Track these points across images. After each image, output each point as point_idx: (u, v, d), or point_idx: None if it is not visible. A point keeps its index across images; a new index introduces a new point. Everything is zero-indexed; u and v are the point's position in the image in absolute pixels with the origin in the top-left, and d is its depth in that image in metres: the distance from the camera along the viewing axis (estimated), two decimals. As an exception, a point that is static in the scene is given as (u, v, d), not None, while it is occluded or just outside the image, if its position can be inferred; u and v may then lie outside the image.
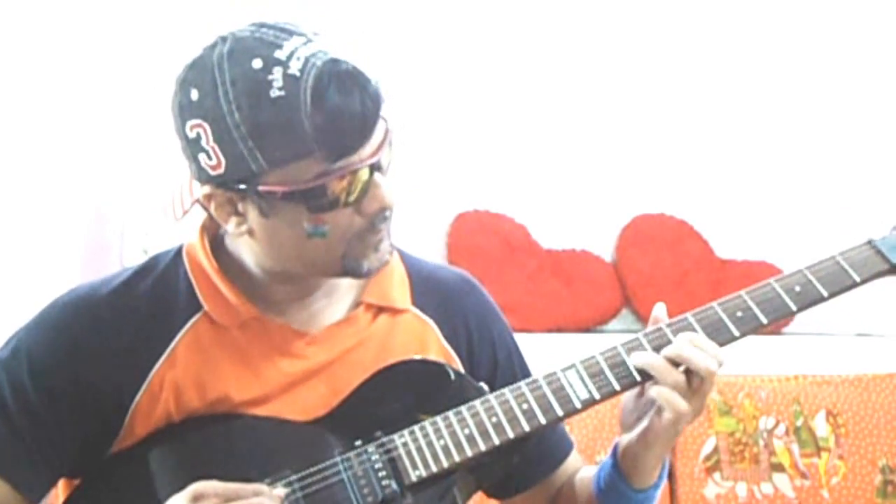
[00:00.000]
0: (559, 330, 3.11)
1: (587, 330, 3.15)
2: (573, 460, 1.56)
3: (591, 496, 1.44)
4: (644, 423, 1.35)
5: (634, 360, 1.33)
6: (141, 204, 2.94)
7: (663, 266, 3.19)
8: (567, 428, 1.63)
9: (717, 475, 2.79)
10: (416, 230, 2.88)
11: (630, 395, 1.38)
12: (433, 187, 3.13)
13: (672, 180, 3.26)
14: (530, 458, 1.43)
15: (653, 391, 1.32)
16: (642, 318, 3.17)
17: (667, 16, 3.27)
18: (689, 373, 1.31)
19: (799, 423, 2.84)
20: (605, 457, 1.49)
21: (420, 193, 3.04)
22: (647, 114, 3.25)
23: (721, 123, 3.27)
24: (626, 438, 1.38)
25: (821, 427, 2.84)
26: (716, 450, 2.81)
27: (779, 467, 2.81)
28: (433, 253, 3.07)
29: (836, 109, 3.27)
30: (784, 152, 3.27)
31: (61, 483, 1.41)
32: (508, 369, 1.51)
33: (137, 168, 2.94)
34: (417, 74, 3.13)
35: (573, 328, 3.13)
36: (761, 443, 2.82)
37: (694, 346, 1.31)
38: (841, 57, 3.27)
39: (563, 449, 1.56)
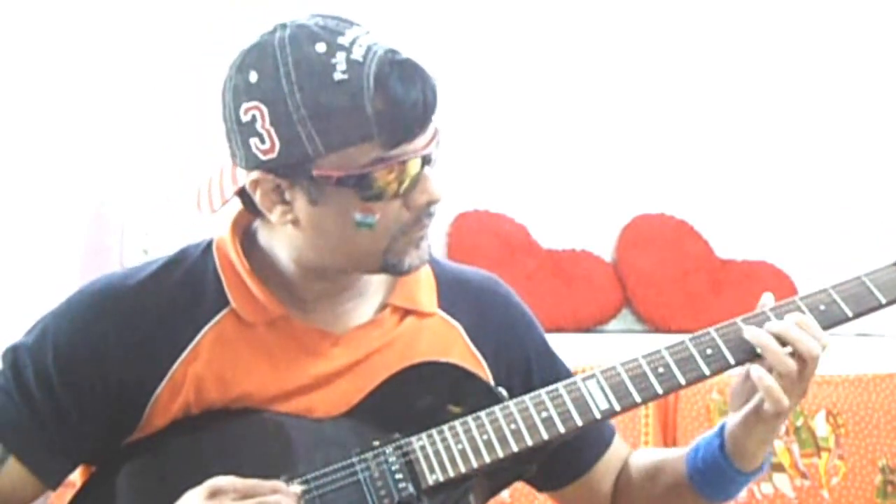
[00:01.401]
0: (559, 330, 3.09)
1: (587, 330, 3.14)
2: (618, 445, 1.54)
3: (679, 476, 1.43)
4: (749, 407, 1.35)
5: (748, 334, 1.33)
6: (141, 204, 2.93)
7: (663, 266, 3.19)
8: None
9: (717, 475, 2.79)
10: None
11: (738, 377, 1.38)
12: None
13: (672, 180, 3.25)
14: (578, 445, 1.43)
15: (757, 382, 1.31)
16: (642, 318, 3.17)
17: (667, 16, 3.27)
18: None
19: (799, 423, 2.84)
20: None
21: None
22: (647, 114, 3.25)
23: (721, 123, 3.26)
24: (731, 420, 1.38)
25: (821, 427, 2.84)
26: (716, 450, 2.80)
27: (779, 467, 2.81)
28: (433, 253, 3.06)
29: (836, 109, 3.26)
30: (784, 152, 3.27)
31: (79, 469, 1.41)
32: (546, 370, 1.49)
33: (137, 167, 2.94)
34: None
35: (573, 328, 3.11)
36: (761, 443, 2.81)
37: (801, 329, 1.31)
38: (840, 56, 3.27)
39: (607, 434, 1.53)
